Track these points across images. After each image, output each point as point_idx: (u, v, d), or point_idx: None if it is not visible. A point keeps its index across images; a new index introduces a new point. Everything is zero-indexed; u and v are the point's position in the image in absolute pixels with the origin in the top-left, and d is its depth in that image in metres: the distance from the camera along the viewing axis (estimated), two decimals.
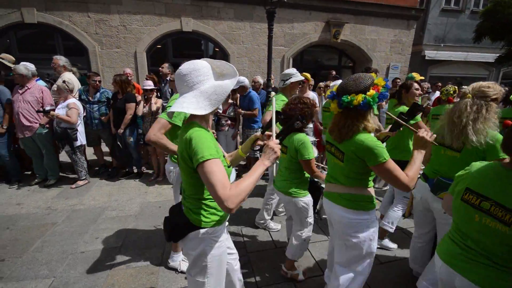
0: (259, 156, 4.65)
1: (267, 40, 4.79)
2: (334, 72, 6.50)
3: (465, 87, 1.89)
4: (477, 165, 1.27)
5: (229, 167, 1.35)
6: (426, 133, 1.51)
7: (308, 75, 4.31)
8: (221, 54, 7.83)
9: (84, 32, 6.56)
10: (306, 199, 2.13)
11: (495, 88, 1.67)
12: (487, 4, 10.85)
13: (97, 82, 4.20)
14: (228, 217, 1.43)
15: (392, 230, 2.65)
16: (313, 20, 8.02)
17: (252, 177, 1.13)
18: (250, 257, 2.55)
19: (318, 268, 2.42)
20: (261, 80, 5.17)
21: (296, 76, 2.85)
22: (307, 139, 2.01)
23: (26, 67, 3.77)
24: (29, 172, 4.53)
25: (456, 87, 3.15)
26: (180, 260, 2.38)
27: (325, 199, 1.75)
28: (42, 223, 3.07)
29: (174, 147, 1.89)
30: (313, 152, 2.05)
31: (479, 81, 1.79)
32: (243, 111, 4.32)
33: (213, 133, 1.47)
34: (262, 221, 3.04)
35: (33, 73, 3.87)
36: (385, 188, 3.60)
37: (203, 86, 1.19)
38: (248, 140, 1.56)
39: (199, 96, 1.17)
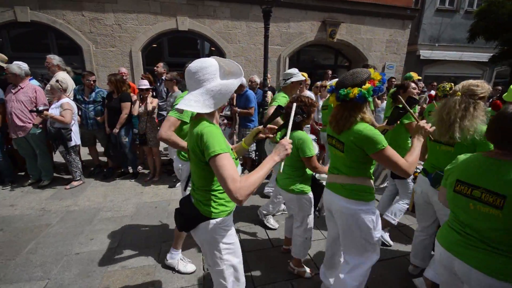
0: (254, 157, 4.70)
1: (263, 40, 4.79)
2: (330, 72, 6.51)
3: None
4: (462, 157, 1.37)
5: (236, 159, 1.43)
6: (426, 123, 1.60)
7: (305, 74, 4.32)
8: (217, 53, 7.80)
9: (78, 31, 6.49)
10: (308, 196, 2.17)
11: (483, 87, 1.74)
12: (481, 4, 10.96)
13: (92, 82, 4.16)
14: (234, 208, 1.47)
15: (395, 223, 2.72)
16: (309, 19, 8.03)
17: (261, 172, 1.19)
18: (246, 256, 2.54)
19: (314, 266, 2.43)
20: (258, 79, 5.17)
21: (298, 76, 2.94)
22: (307, 137, 2.05)
23: (19, 66, 3.72)
24: (23, 173, 4.47)
25: (452, 84, 3.19)
26: (178, 259, 2.38)
27: (326, 190, 1.81)
28: (36, 225, 3.03)
29: (184, 143, 1.97)
30: (314, 149, 2.08)
31: (473, 80, 1.85)
32: (239, 110, 4.33)
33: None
34: (265, 212, 3.09)
35: (26, 72, 3.81)
36: (383, 186, 3.61)
37: (209, 84, 1.23)
38: (250, 132, 1.62)
39: (205, 94, 1.22)
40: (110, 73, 4.49)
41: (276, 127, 1.61)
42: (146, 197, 3.77)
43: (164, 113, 4.60)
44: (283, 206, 3.31)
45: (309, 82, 4.81)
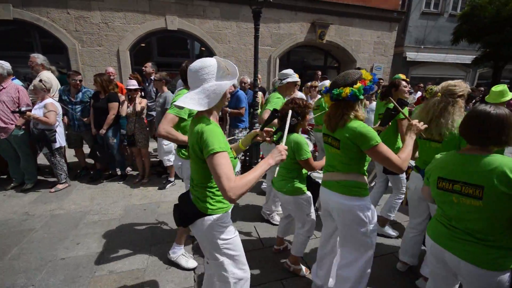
0: (240, 157, 4.70)
1: (253, 40, 4.79)
2: (320, 73, 6.58)
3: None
4: (438, 157, 1.48)
5: (235, 158, 1.47)
6: (417, 122, 1.71)
7: (297, 75, 4.34)
8: (207, 53, 7.75)
9: (63, 29, 6.31)
10: (306, 196, 2.20)
11: (461, 86, 1.89)
12: (465, 8, 11.33)
13: (78, 81, 4.04)
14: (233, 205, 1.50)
15: (391, 218, 2.88)
16: (299, 20, 8.09)
17: (255, 173, 1.22)
18: None
19: (305, 265, 2.43)
20: (248, 80, 5.17)
21: (293, 77, 3.04)
22: (301, 139, 2.10)
23: (2, 65, 3.59)
24: (5, 176, 4.30)
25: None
26: (180, 254, 2.40)
27: (322, 188, 1.86)
28: (19, 230, 2.92)
29: (184, 137, 2.03)
30: (309, 149, 2.13)
31: None
32: (229, 110, 4.32)
33: None
34: (268, 212, 3.16)
35: (9, 72, 3.68)
36: (372, 185, 3.67)
37: (206, 84, 1.29)
38: (248, 135, 1.68)
39: (201, 93, 1.28)
40: (97, 72, 4.39)
41: (273, 130, 1.70)
42: (134, 200, 3.69)
43: (153, 113, 4.53)
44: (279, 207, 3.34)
45: (299, 83, 4.84)
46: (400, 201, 2.88)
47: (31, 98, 3.92)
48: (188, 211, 1.43)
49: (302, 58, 9.46)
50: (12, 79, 3.79)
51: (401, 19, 9.38)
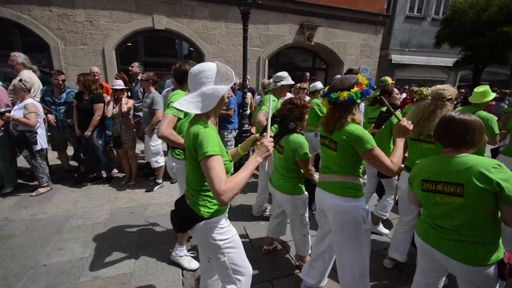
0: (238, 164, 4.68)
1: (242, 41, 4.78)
2: (308, 74, 6.63)
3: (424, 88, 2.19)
4: (419, 161, 1.58)
5: (230, 161, 1.48)
6: (406, 122, 1.75)
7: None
8: (196, 54, 7.68)
9: (45, 28, 6.09)
10: (303, 196, 2.25)
11: (449, 90, 2.01)
12: (446, 12, 11.75)
13: (61, 81, 3.91)
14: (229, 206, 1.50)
15: (384, 218, 2.98)
16: (288, 22, 8.14)
17: (244, 173, 1.24)
18: None
19: (294, 266, 2.44)
20: (238, 81, 5.15)
21: (287, 79, 3.08)
22: (302, 140, 2.14)
23: None
24: None
25: (428, 89, 3.42)
26: (183, 255, 2.39)
27: (318, 189, 1.89)
28: None
29: (182, 140, 2.00)
30: (309, 151, 2.17)
31: (439, 83, 2.12)
32: None
33: None
34: (258, 208, 3.29)
35: None
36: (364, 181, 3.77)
37: (204, 87, 1.30)
38: (247, 140, 1.68)
39: (198, 96, 1.30)
40: (81, 72, 4.26)
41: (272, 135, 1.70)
42: (121, 203, 3.60)
43: (140, 114, 4.44)
44: (268, 207, 3.34)
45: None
46: (392, 201, 2.97)
47: (11, 99, 3.77)
48: (185, 215, 1.43)
49: (291, 59, 9.52)
50: None
51: (386, 22, 9.61)
